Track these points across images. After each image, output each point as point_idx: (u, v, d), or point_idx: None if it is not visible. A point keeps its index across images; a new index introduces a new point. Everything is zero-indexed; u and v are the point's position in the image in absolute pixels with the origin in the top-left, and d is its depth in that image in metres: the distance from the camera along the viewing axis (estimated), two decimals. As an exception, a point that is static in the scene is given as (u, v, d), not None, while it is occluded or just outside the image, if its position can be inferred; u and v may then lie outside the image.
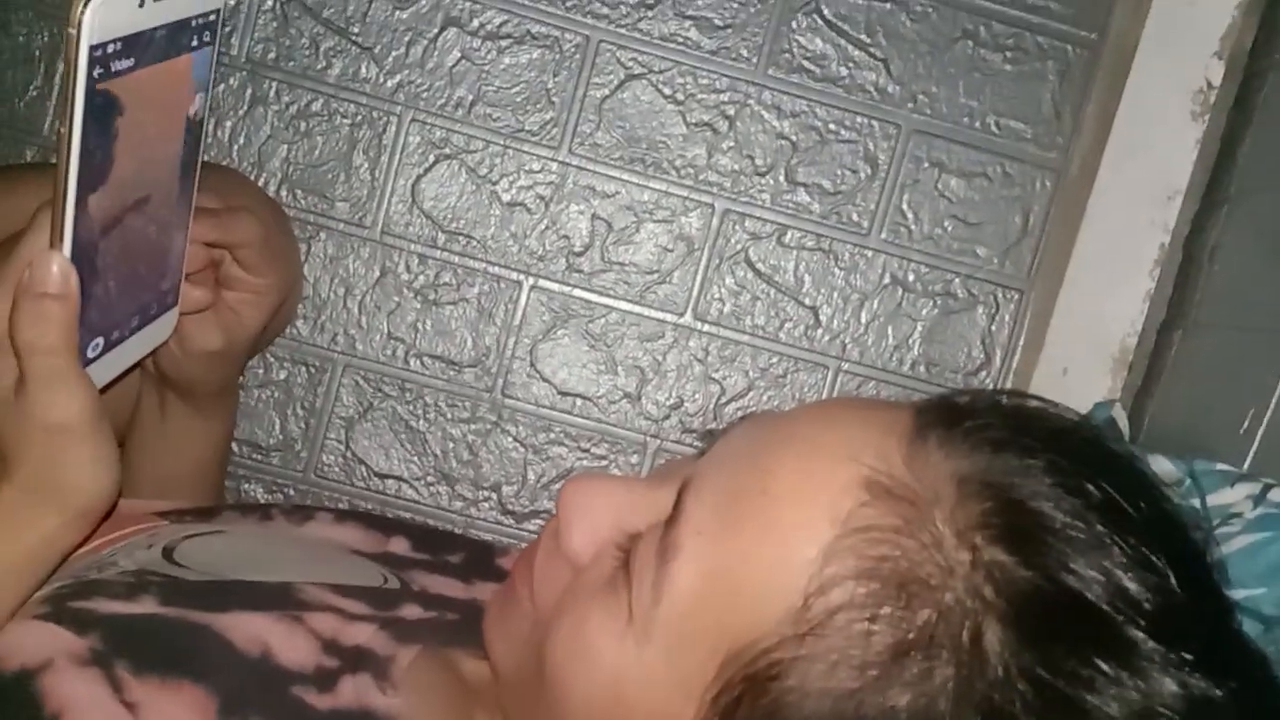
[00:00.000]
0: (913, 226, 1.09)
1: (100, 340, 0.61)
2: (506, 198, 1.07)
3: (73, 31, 0.52)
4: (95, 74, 0.53)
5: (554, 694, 0.53)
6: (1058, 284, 1.07)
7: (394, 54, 1.06)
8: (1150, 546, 0.46)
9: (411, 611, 0.68)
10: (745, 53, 1.07)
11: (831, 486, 0.48)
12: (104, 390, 0.62)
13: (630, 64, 1.07)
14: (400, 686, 0.60)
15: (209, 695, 0.57)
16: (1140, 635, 0.44)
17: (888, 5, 1.07)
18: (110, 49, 0.54)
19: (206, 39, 0.63)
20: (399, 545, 0.81)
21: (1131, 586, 0.45)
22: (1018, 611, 0.45)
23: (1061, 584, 0.45)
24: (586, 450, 1.08)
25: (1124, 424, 0.99)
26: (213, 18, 0.63)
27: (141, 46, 0.57)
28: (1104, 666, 0.44)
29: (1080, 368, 1.07)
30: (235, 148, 1.05)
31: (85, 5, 0.52)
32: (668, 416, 1.09)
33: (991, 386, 1.10)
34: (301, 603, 0.64)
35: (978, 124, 1.08)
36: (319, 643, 0.61)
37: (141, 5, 0.55)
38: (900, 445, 0.49)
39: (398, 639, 0.63)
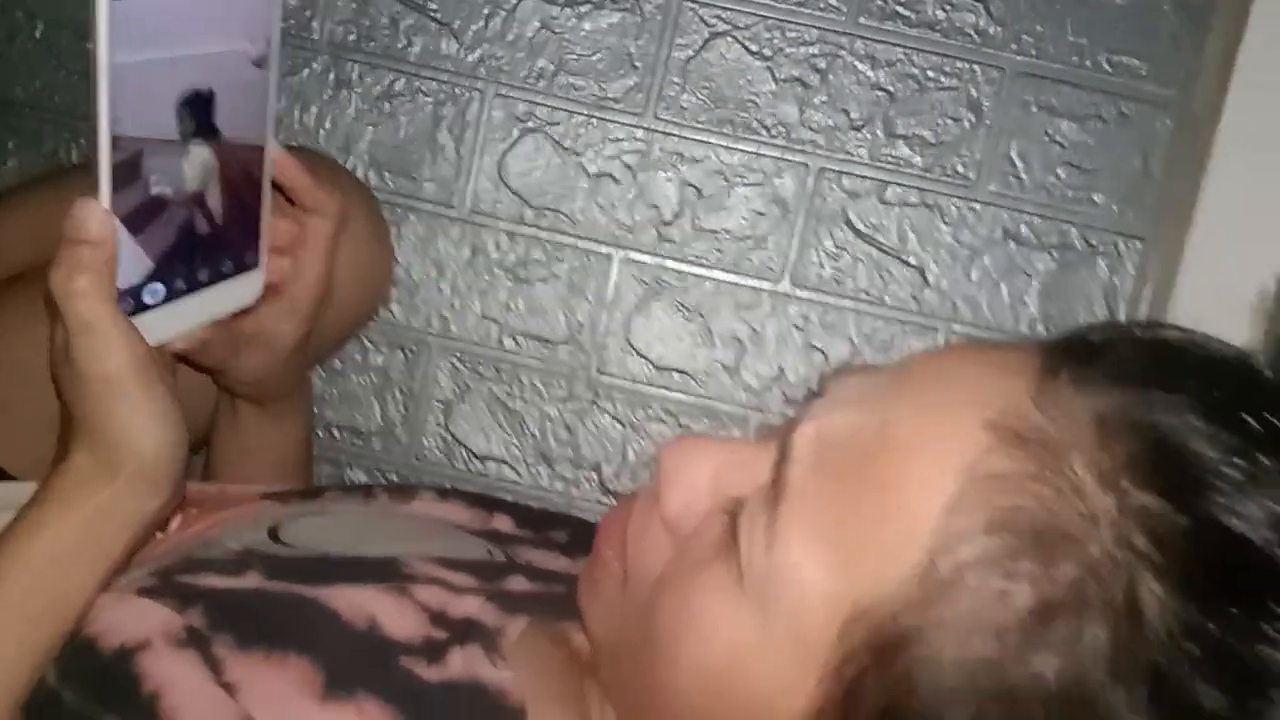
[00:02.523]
0: (1023, 176, 1.03)
1: (160, 286, 0.59)
2: (593, 169, 1.04)
3: None
4: None
5: (662, 666, 0.51)
6: (1185, 230, 1.00)
7: (473, 28, 1.04)
8: None
9: (518, 584, 0.66)
10: (834, 1, 1.02)
11: (953, 435, 0.44)
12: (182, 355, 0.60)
13: (714, 21, 1.03)
14: (510, 658, 0.58)
15: (315, 667, 0.56)
16: None
17: (985, -58, 1.01)
18: None
19: None
20: (502, 523, 0.80)
21: None
22: (1176, 561, 0.41)
23: (1224, 528, 0.41)
24: (686, 426, 1.05)
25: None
26: None
27: None
28: None
29: (1215, 318, 0.98)
30: (322, 133, 1.05)
31: None
32: (769, 388, 1.05)
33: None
34: (408, 575, 0.63)
35: (1088, 62, 1.01)
36: (426, 614, 0.60)
37: None
38: (1028, 385, 0.45)
39: (506, 611, 0.62)
